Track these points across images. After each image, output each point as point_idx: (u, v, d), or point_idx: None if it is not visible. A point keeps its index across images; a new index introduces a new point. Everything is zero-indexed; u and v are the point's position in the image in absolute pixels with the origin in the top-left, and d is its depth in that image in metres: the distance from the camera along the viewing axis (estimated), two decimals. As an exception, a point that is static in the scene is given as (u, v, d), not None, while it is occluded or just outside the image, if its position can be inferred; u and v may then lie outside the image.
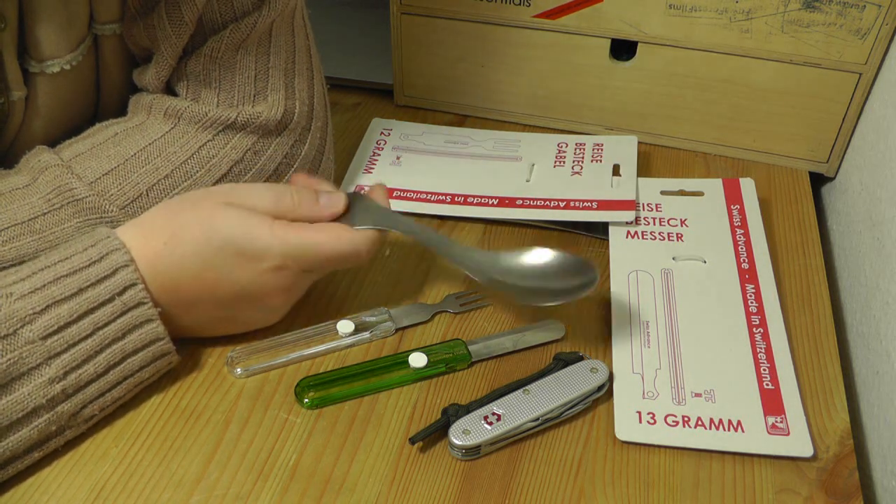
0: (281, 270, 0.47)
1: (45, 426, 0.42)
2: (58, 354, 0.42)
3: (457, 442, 0.44)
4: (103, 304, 0.43)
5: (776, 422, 0.46)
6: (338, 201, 0.49)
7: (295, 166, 0.56)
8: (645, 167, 0.68)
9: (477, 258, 0.50)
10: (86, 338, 0.42)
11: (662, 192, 0.62)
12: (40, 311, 0.41)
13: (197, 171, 0.51)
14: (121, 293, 0.43)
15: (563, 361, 0.48)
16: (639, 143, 0.67)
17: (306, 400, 0.47)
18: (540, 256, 0.49)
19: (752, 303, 0.53)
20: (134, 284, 0.44)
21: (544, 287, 0.48)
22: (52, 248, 0.45)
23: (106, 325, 0.43)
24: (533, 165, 0.65)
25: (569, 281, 0.48)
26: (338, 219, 0.49)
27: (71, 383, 0.42)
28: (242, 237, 0.45)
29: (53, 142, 0.51)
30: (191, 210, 0.46)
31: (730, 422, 0.46)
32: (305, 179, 0.51)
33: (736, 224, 0.59)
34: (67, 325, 0.42)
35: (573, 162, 0.65)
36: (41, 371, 0.41)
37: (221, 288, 0.46)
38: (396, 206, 0.61)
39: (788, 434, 0.46)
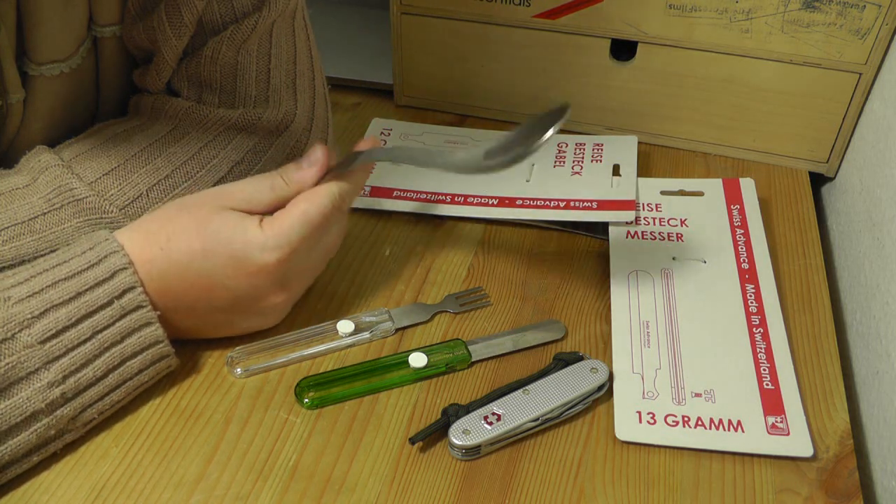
0: (279, 265, 0.46)
1: (44, 430, 0.42)
2: (57, 358, 0.41)
3: (457, 442, 0.44)
4: (102, 307, 0.43)
5: (776, 422, 0.46)
6: (314, 151, 0.49)
7: (296, 167, 0.56)
8: (645, 167, 0.68)
9: (461, 157, 0.47)
10: (85, 341, 0.42)
11: (662, 192, 0.62)
12: (38, 314, 0.41)
13: (197, 172, 0.51)
14: (119, 296, 0.43)
15: (563, 361, 0.48)
16: (639, 143, 0.67)
17: (306, 400, 0.47)
18: (517, 128, 0.47)
19: (752, 303, 0.53)
20: (132, 288, 0.44)
21: (530, 140, 0.45)
22: (51, 252, 0.45)
23: (105, 328, 0.43)
24: (533, 165, 0.65)
25: (547, 125, 0.45)
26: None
27: (70, 387, 0.42)
28: (235, 243, 0.45)
29: (53, 143, 0.50)
30: (186, 216, 0.46)
31: (730, 422, 0.46)
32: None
33: (736, 224, 0.59)
34: (66, 328, 0.42)
35: (573, 162, 0.65)
36: (40, 375, 0.41)
37: (217, 294, 0.46)
38: (396, 206, 0.62)
39: (788, 434, 0.46)
